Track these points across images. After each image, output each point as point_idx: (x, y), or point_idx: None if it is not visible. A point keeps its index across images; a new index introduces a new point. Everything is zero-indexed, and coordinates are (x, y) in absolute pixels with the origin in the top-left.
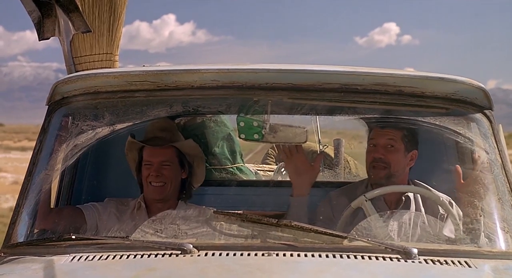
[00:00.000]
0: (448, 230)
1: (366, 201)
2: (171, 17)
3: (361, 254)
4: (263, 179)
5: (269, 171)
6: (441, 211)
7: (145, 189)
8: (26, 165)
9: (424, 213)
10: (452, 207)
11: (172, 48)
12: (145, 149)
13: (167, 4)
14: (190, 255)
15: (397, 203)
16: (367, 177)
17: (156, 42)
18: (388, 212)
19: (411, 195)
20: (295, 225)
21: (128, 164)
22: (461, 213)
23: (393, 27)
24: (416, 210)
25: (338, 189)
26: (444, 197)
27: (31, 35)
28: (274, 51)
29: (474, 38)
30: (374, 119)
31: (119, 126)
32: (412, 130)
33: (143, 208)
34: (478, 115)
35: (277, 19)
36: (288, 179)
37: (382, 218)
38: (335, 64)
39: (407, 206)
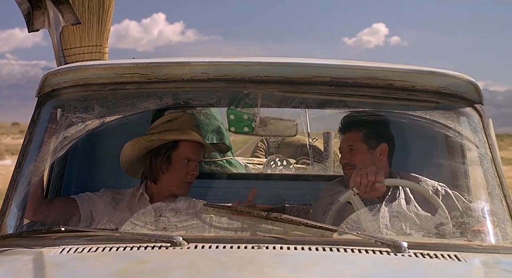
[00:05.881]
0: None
1: (354, 195)
2: (161, 17)
3: (351, 247)
4: (253, 171)
5: (259, 164)
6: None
7: (174, 185)
8: None
9: (415, 203)
10: (447, 195)
11: (160, 47)
12: (184, 144)
13: (158, 4)
14: (180, 247)
15: (383, 194)
16: None
17: (145, 41)
18: (378, 205)
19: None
20: (285, 218)
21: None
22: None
23: (382, 28)
24: (405, 199)
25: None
26: (438, 186)
27: (20, 33)
28: (263, 51)
29: (462, 40)
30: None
31: (109, 118)
32: (374, 127)
33: (146, 200)
34: (468, 110)
35: (266, 20)
36: (277, 172)
37: (372, 212)
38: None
39: (393, 196)
